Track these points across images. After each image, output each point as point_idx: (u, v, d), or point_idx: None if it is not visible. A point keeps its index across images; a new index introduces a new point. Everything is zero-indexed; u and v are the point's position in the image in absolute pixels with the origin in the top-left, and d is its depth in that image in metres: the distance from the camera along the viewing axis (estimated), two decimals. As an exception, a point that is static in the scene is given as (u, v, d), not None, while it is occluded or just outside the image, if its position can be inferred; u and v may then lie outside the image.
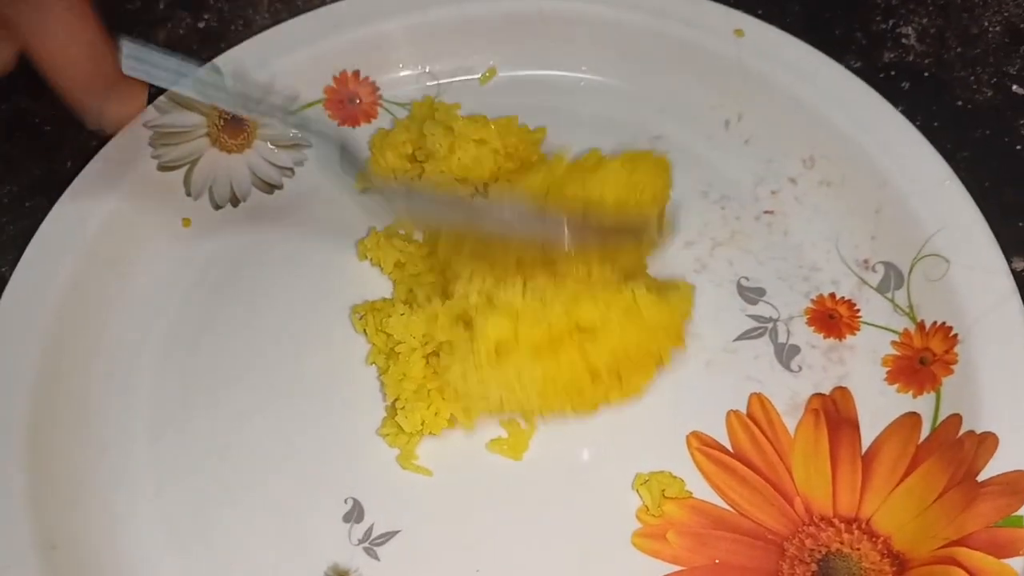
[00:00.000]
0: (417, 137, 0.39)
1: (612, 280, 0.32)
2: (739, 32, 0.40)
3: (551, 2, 0.42)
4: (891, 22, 0.47)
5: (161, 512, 0.33)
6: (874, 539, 0.31)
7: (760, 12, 0.46)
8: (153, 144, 0.39)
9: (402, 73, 0.42)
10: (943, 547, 0.30)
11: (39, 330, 0.35)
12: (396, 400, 0.34)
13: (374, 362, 0.36)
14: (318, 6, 0.47)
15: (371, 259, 0.38)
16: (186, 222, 0.39)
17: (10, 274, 0.39)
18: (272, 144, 0.41)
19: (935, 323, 0.34)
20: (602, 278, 0.32)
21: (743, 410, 0.34)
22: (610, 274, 0.33)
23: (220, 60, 0.41)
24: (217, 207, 0.40)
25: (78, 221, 0.37)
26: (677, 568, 0.32)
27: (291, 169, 0.41)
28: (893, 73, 0.45)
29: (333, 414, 0.35)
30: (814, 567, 0.31)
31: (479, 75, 0.43)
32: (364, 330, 0.36)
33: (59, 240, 0.37)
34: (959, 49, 0.45)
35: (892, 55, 0.46)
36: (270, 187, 0.40)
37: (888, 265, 0.36)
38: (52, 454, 0.33)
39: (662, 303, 0.32)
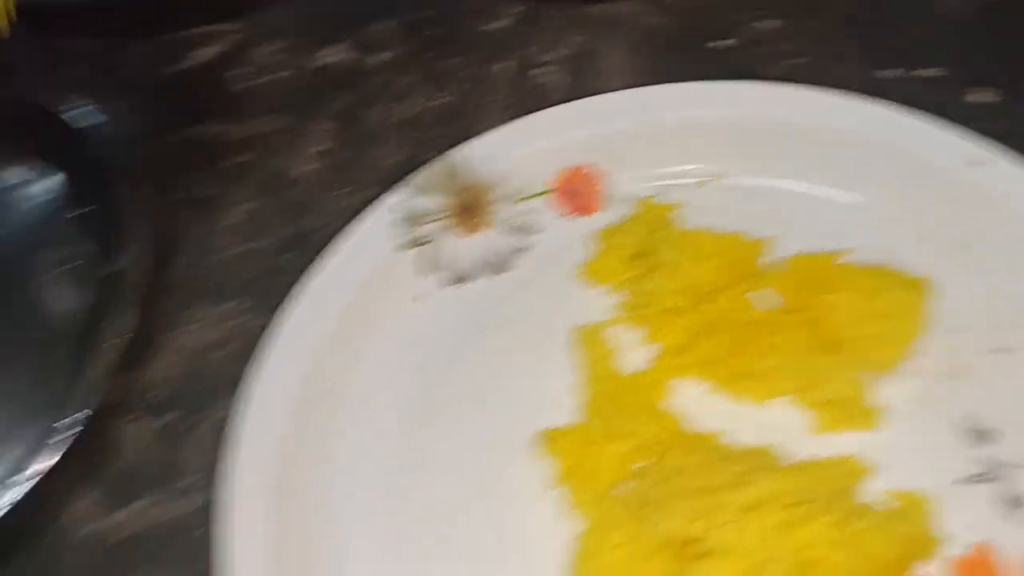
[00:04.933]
0: (641, 240, 0.41)
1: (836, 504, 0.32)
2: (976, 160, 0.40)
3: (785, 111, 0.43)
4: None
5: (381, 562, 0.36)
6: None
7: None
8: (396, 225, 0.42)
9: (629, 170, 0.44)
10: None
11: (287, 395, 0.38)
12: None
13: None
14: (551, 93, 0.50)
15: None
16: (418, 299, 0.42)
17: (261, 331, 0.43)
18: (502, 229, 0.43)
19: None
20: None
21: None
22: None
23: (458, 149, 0.44)
24: (447, 286, 0.42)
25: (323, 298, 0.40)
26: None
27: (517, 253, 0.43)
28: None
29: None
30: None
31: (704, 178, 0.44)
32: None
33: (305, 316, 0.40)
34: None
35: None
36: (498, 269, 0.43)
37: None
38: (294, 500, 0.36)
39: (889, 536, 0.31)
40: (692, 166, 0.44)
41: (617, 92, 0.45)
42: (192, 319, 0.44)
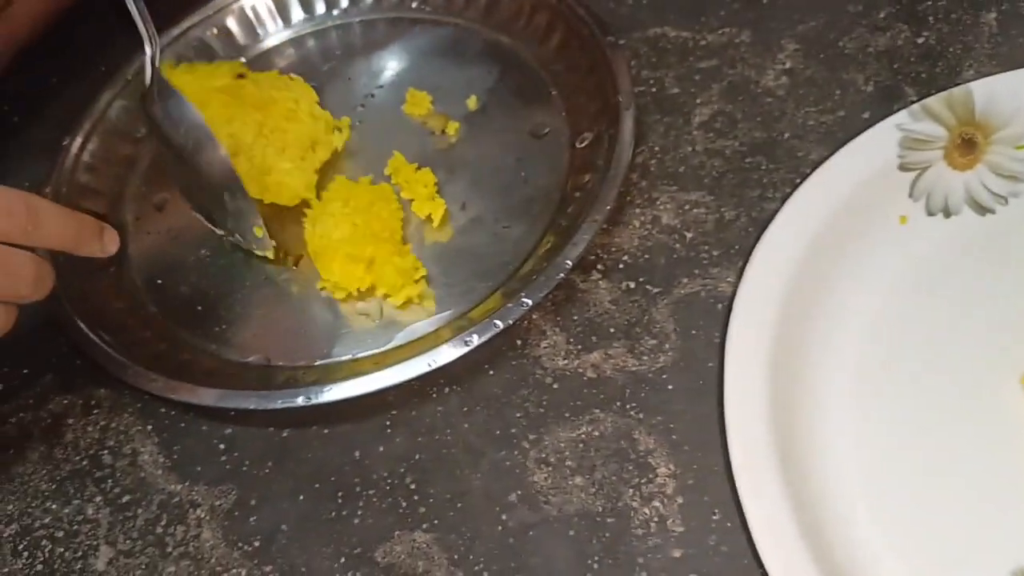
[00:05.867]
0: None
1: None
2: None
3: None
4: None
5: (859, 461, 0.37)
6: None
7: None
8: (900, 144, 0.43)
9: None
10: None
11: (780, 282, 0.40)
12: None
13: None
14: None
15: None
16: (902, 219, 0.43)
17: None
18: (993, 171, 0.43)
19: None
20: None
21: None
22: None
23: (973, 84, 0.44)
24: (930, 214, 0.43)
25: (819, 196, 0.42)
26: None
27: (1004, 198, 0.43)
28: None
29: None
30: None
31: None
32: None
33: (802, 209, 0.42)
34: None
35: None
36: (982, 209, 0.43)
37: None
38: (781, 384, 0.38)
39: None
40: None
41: None
42: (658, 202, 0.47)
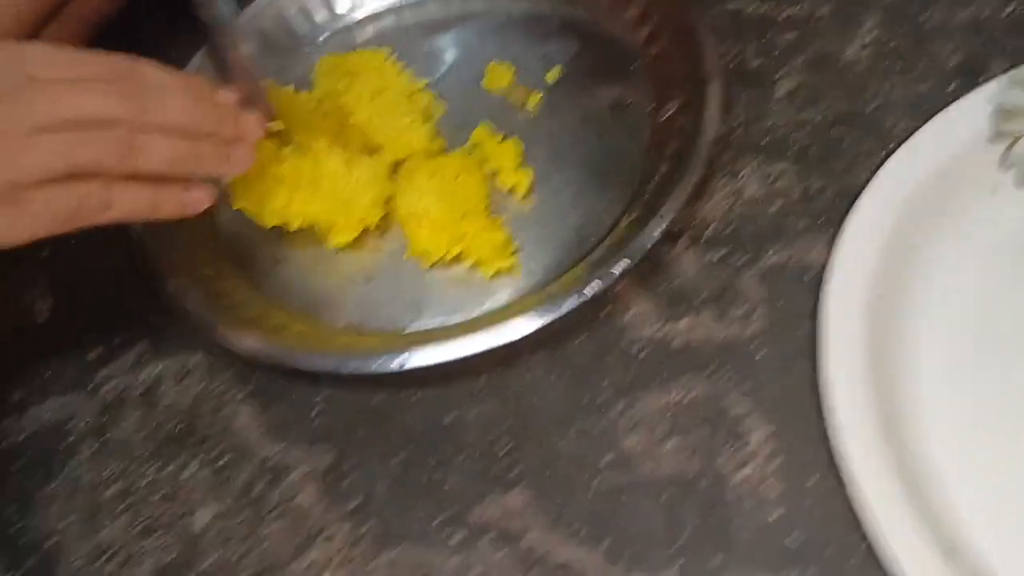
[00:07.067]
0: None
1: None
2: None
3: None
4: None
5: (953, 425, 0.38)
6: None
7: None
8: (990, 116, 0.43)
9: None
10: None
11: (872, 251, 0.41)
12: None
13: None
14: None
15: None
16: (994, 190, 0.43)
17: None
18: (1090, 141, 0.43)
19: None
20: None
21: None
22: None
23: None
24: (1020, 186, 0.43)
25: (912, 169, 0.42)
26: None
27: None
28: None
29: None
30: None
31: None
32: None
33: (893, 183, 0.42)
34: None
35: None
36: (1067, 179, 0.43)
37: None
38: (877, 350, 0.38)
39: None
40: None
41: None
42: (742, 173, 0.47)
